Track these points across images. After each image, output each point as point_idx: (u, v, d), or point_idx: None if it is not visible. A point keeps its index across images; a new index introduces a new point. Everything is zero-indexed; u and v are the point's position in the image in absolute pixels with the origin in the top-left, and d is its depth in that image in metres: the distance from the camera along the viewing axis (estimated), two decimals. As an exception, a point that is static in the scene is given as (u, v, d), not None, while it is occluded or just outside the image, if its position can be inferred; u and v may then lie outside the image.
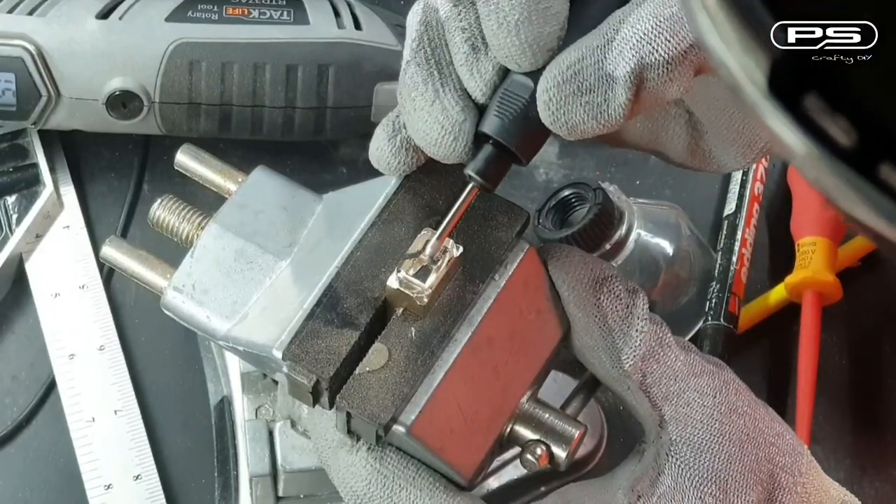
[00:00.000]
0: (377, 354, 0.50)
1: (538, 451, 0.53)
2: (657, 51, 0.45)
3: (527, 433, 0.53)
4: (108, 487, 0.72)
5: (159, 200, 0.58)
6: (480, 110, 0.49)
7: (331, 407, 0.51)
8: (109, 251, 0.57)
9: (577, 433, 0.53)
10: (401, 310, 0.51)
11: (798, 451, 0.53)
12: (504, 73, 0.49)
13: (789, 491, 0.52)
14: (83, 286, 0.77)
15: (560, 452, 0.53)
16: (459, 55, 0.48)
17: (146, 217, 0.59)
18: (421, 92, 0.49)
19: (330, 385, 0.50)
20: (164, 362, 0.76)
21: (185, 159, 0.60)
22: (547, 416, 0.53)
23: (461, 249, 0.51)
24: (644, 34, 0.45)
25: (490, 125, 0.48)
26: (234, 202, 0.56)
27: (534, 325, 0.53)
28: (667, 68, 0.45)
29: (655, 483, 0.51)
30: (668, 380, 0.53)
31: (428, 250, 0.50)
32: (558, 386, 0.67)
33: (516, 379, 0.53)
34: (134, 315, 0.77)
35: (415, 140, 0.50)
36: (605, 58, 0.45)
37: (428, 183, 0.53)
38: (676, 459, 0.52)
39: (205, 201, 0.77)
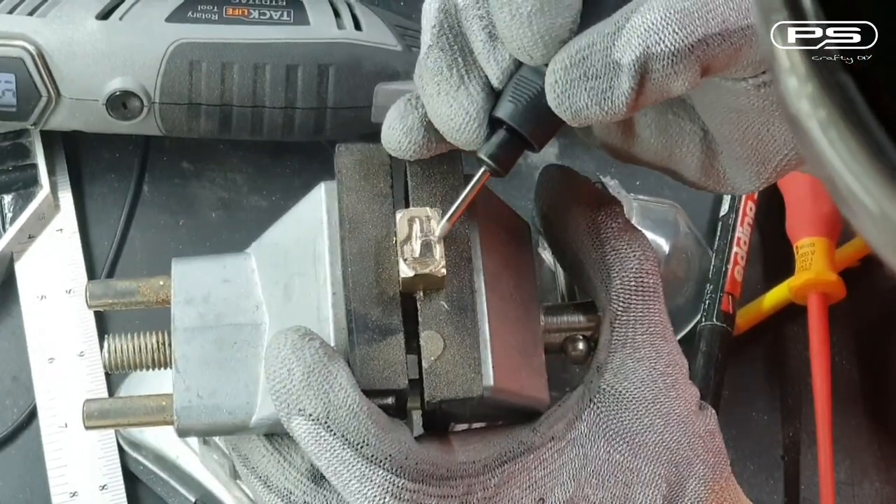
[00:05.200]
0: (430, 341, 0.51)
1: (580, 345, 0.55)
2: (663, 42, 0.45)
3: (560, 338, 0.56)
4: (74, 495, 0.71)
5: (105, 346, 0.54)
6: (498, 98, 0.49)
7: (425, 409, 0.51)
8: (94, 411, 0.53)
9: (598, 314, 0.55)
10: (420, 292, 0.51)
11: (725, 458, 0.54)
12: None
13: (704, 482, 0.52)
14: (70, 291, 0.76)
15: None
16: (477, 43, 0.48)
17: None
18: (445, 77, 0.49)
19: (412, 391, 0.50)
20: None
21: (98, 292, 0.55)
22: (566, 317, 0.56)
23: (439, 211, 0.51)
24: (652, 24, 0.45)
25: (503, 110, 0.48)
26: (178, 303, 0.53)
27: (511, 242, 0.55)
28: (671, 60, 0.45)
29: (571, 427, 0.52)
30: (640, 326, 0.54)
31: (437, 232, 0.50)
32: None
33: (528, 297, 0.55)
34: (117, 323, 0.76)
35: (437, 126, 0.50)
36: (614, 45, 0.45)
37: (358, 184, 0.53)
38: (597, 407, 0.52)
39: (206, 202, 0.77)
